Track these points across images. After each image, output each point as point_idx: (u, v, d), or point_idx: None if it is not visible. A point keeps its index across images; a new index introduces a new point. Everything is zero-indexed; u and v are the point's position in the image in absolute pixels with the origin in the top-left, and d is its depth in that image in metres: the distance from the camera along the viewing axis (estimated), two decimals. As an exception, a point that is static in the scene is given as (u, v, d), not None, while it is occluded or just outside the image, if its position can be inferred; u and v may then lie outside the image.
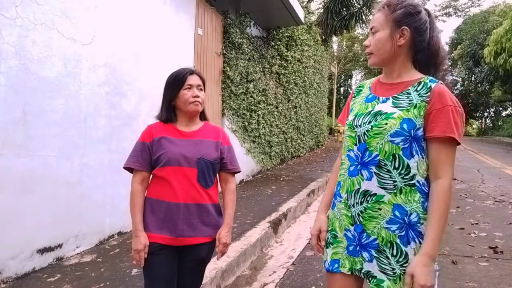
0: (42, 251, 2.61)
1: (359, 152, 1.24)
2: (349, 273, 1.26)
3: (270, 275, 2.88)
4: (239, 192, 5.21)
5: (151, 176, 1.62)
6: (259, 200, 4.79)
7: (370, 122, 1.22)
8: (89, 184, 2.99)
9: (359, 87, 1.42)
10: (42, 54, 2.58)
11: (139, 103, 3.52)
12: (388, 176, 1.18)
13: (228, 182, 1.71)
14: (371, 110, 1.24)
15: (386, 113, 1.20)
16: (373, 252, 1.21)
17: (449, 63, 30.67)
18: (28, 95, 2.49)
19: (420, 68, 1.27)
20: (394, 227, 1.18)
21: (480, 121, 31.12)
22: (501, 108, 28.29)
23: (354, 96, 1.40)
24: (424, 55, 1.24)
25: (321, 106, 11.68)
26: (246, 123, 6.14)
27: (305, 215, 4.72)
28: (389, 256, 1.18)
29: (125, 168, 1.62)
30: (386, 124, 1.18)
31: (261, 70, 6.77)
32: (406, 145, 1.16)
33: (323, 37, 11.37)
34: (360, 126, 1.24)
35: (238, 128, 5.93)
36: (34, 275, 2.49)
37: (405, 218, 1.17)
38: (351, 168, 1.26)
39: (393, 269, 1.18)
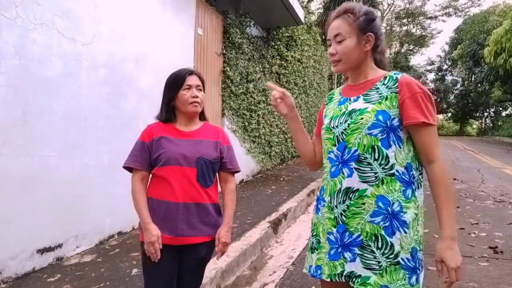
0: (42, 251, 2.61)
1: (339, 152, 1.27)
2: (328, 280, 1.26)
3: (270, 275, 2.88)
4: (239, 192, 5.21)
5: (151, 175, 1.62)
6: (259, 200, 4.79)
7: (346, 121, 1.26)
8: (89, 184, 2.99)
9: (330, 94, 1.48)
10: (42, 54, 2.58)
11: (139, 103, 3.52)
12: (369, 169, 1.21)
13: (227, 181, 1.71)
14: (345, 110, 1.29)
15: (359, 109, 1.24)
16: (356, 250, 1.21)
17: (449, 63, 30.69)
18: (28, 95, 2.49)
19: (377, 66, 1.35)
20: (378, 219, 1.19)
21: (480, 121, 31.09)
22: (501, 108, 28.26)
23: (327, 104, 1.45)
24: (380, 54, 1.34)
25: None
26: (246, 123, 6.14)
27: (305, 215, 4.72)
28: (374, 249, 1.19)
29: (124, 167, 1.62)
30: (362, 119, 1.22)
31: (261, 70, 6.77)
32: (384, 136, 1.20)
33: (323, 37, 11.37)
34: (337, 126, 1.28)
35: (238, 128, 5.93)
36: (34, 275, 2.49)
37: (389, 208, 1.19)
38: (333, 169, 1.29)
39: (379, 262, 1.18)
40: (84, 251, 2.94)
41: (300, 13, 6.78)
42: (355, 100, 1.29)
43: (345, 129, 1.25)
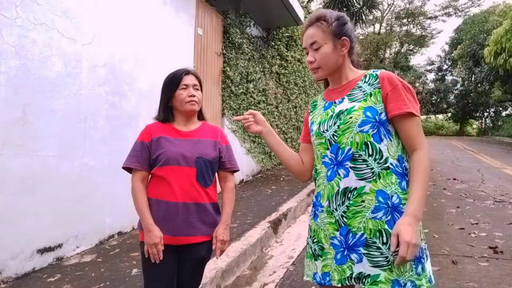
0: (42, 251, 2.61)
1: (332, 155, 1.28)
2: (339, 285, 1.26)
3: (270, 275, 2.88)
4: (239, 192, 5.21)
5: (150, 176, 1.62)
6: (259, 200, 4.79)
7: (335, 123, 1.27)
8: (89, 184, 2.99)
9: (313, 102, 1.49)
10: (42, 54, 2.58)
11: (139, 103, 3.52)
12: (365, 166, 1.22)
13: (227, 180, 1.72)
14: (333, 114, 1.30)
15: (347, 109, 1.26)
16: (361, 250, 1.21)
17: (449, 63, 30.68)
18: (28, 95, 2.49)
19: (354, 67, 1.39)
20: (380, 214, 1.20)
21: (480, 121, 31.05)
22: (501, 108, 28.23)
23: (311, 111, 1.46)
24: (355, 55, 1.38)
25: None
26: (246, 123, 6.14)
27: (305, 215, 4.72)
28: (380, 245, 1.19)
29: (124, 168, 1.62)
30: (350, 118, 1.24)
31: (261, 70, 6.77)
32: (375, 131, 1.22)
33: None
34: (327, 130, 1.30)
35: (238, 128, 5.93)
36: (34, 275, 2.50)
37: (388, 202, 1.20)
38: (329, 173, 1.29)
39: (386, 257, 1.18)
40: (84, 251, 2.93)
41: (300, 13, 6.78)
42: (340, 102, 1.31)
43: (335, 131, 1.26)
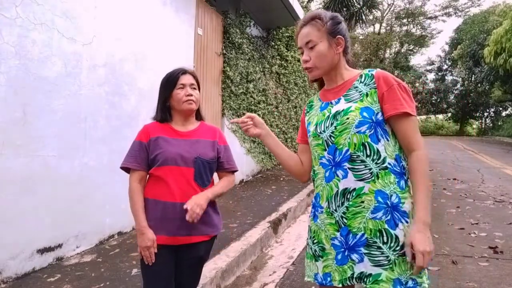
0: (42, 251, 2.61)
1: (330, 156, 1.28)
2: (340, 285, 1.26)
3: (270, 275, 2.88)
4: (239, 192, 5.21)
5: (148, 176, 1.62)
6: (259, 200, 4.79)
7: (332, 124, 1.27)
8: (89, 184, 2.99)
9: (309, 102, 1.49)
10: (42, 54, 2.58)
11: (139, 103, 3.52)
12: (363, 166, 1.22)
13: (227, 177, 1.73)
14: (329, 114, 1.30)
15: (343, 109, 1.26)
16: (362, 250, 1.21)
17: (449, 63, 30.68)
18: (28, 95, 2.49)
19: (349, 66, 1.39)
20: (380, 214, 1.20)
21: (480, 121, 31.03)
22: (501, 108, 28.21)
23: (307, 112, 1.46)
24: (350, 55, 1.38)
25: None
26: (246, 123, 6.14)
27: (305, 215, 4.72)
28: (381, 245, 1.19)
29: (122, 168, 1.62)
30: (347, 118, 1.24)
31: (261, 70, 6.77)
32: (372, 131, 1.22)
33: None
34: (324, 131, 1.29)
35: (238, 128, 5.93)
36: (34, 275, 2.49)
37: (388, 202, 1.20)
38: (327, 174, 1.29)
39: (387, 257, 1.18)
40: (84, 251, 2.93)
41: (300, 13, 6.78)
42: (336, 102, 1.31)
43: (332, 132, 1.26)
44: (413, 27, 30.91)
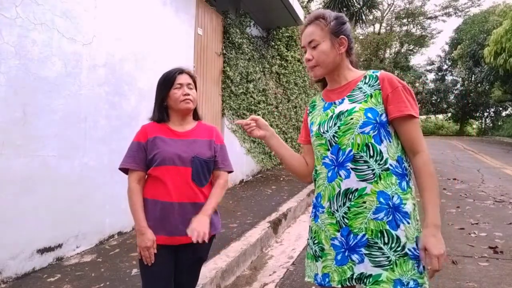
0: (42, 251, 2.61)
1: (333, 156, 1.28)
2: (339, 286, 1.26)
3: (270, 275, 2.88)
4: (239, 192, 5.21)
5: (146, 176, 1.62)
6: (259, 200, 4.79)
7: (336, 124, 1.27)
8: (89, 184, 2.99)
9: (312, 102, 1.49)
10: (42, 54, 2.58)
11: (139, 103, 3.52)
12: (366, 167, 1.22)
13: (219, 178, 1.69)
14: (333, 114, 1.30)
15: (347, 110, 1.26)
16: (363, 250, 1.21)
17: (449, 63, 30.68)
18: (28, 95, 2.49)
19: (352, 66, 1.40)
20: (381, 214, 1.20)
21: (480, 121, 31.06)
22: (501, 108, 28.22)
23: (310, 112, 1.46)
24: (354, 56, 1.39)
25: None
26: (246, 123, 6.13)
27: (305, 215, 4.71)
28: (382, 245, 1.19)
29: (120, 169, 1.62)
30: (351, 119, 1.24)
31: (261, 70, 6.77)
32: (376, 132, 1.22)
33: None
34: (327, 131, 1.29)
35: (238, 128, 5.93)
36: (34, 275, 2.49)
37: (390, 202, 1.21)
38: (329, 174, 1.29)
39: (388, 257, 1.18)
40: (84, 251, 2.93)
41: (300, 13, 6.78)
42: (340, 103, 1.31)
43: (336, 132, 1.26)
44: (413, 27, 30.91)
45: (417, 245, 1.20)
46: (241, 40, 5.95)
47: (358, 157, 1.22)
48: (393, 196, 1.21)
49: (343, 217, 1.25)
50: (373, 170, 1.21)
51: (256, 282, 2.77)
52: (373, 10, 14.04)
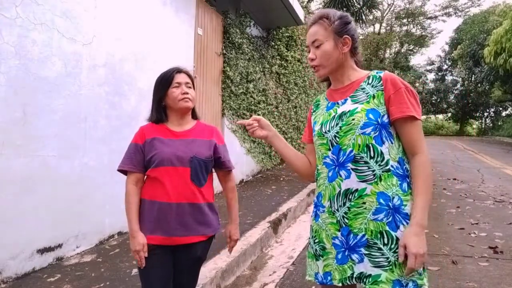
0: (42, 251, 2.61)
1: (334, 156, 1.28)
2: (340, 284, 1.26)
3: (270, 275, 2.88)
4: (239, 192, 5.21)
5: (145, 177, 1.62)
6: (259, 200, 4.79)
7: (337, 124, 1.28)
8: (89, 184, 2.99)
9: (316, 101, 1.49)
10: (42, 54, 2.58)
11: (139, 103, 3.52)
12: (367, 168, 1.22)
13: (228, 180, 1.74)
14: (335, 114, 1.30)
15: (349, 110, 1.26)
16: (363, 250, 1.22)
17: (449, 63, 30.69)
18: (28, 95, 2.49)
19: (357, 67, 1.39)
20: (381, 215, 1.20)
21: (480, 121, 31.07)
22: (501, 108, 28.23)
23: (314, 111, 1.46)
24: (359, 56, 1.38)
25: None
26: (246, 123, 6.14)
27: (305, 215, 4.71)
28: (381, 246, 1.19)
29: (119, 170, 1.62)
30: (353, 119, 1.24)
31: (261, 70, 6.77)
32: (377, 133, 1.22)
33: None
34: (329, 131, 1.30)
35: (238, 128, 5.93)
36: (34, 275, 2.50)
37: (390, 204, 1.20)
38: (330, 174, 1.29)
39: (387, 258, 1.18)
40: (84, 251, 2.94)
41: (300, 13, 6.78)
42: (343, 103, 1.31)
43: (337, 132, 1.27)
44: (413, 27, 30.91)
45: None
46: (241, 40, 5.95)
47: (359, 157, 1.22)
48: (393, 197, 1.21)
49: (343, 217, 1.25)
50: (373, 171, 1.21)
51: (256, 282, 2.77)
52: (373, 10, 14.04)
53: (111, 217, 3.21)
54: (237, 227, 1.72)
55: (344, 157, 1.25)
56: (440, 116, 31.52)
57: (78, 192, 2.89)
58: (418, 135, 1.23)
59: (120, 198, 3.20)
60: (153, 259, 1.53)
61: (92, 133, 3.01)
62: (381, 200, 1.20)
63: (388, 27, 30.84)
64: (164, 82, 1.63)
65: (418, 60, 75.99)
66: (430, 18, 30.03)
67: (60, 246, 2.75)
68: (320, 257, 1.33)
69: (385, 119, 1.23)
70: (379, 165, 1.21)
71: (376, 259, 1.20)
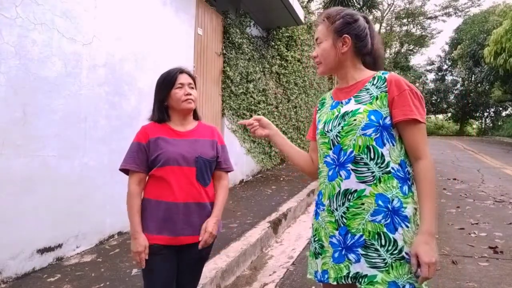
0: (42, 251, 2.61)
1: (335, 155, 1.28)
2: (335, 283, 1.26)
3: (270, 275, 2.88)
4: (239, 192, 5.22)
5: (148, 177, 1.61)
6: (259, 200, 4.79)
7: (339, 124, 1.27)
8: (89, 184, 2.99)
9: (322, 100, 1.49)
10: (42, 54, 2.58)
11: (139, 103, 3.52)
12: (366, 169, 1.22)
13: (221, 179, 1.72)
14: (338, 114, 1.30)
15: (352, 110, 1.26)
16: (359, 250, 1.21)
17: (449, 63, 30.69)
18: (28, 95, 2.49)
19: (368, 68, 1.38)
20: (379, 217, 1.20)
21: (480, 121, 31.09)
22: (501, 108, 28.25)
23: (319, 109, 1.47)
24: (371, 58, 1.36)
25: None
26: (246, 123, 6.14)
27: (305, 215, 4.71)
28: (378, 247, 1.19)
29: (121, 169, 1.61)
30: (355, 120, 1.23)
31: (261, 70, 6.77)
32: (378, 135, 1.22)
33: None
34: (331, 130, 1.30)
35: (238, 128, 5.93)
36: (34, 275, 2.49)
37: (389, 206, 1.20)
38: (330, 173, 1.30)
39: (384, 259, 1.18)
40: (84, 251, 2.93)
41: (300, 13, 6.78)
42: (346, 103, 1.31)
43: (339, 132, 1.26)
44: (413, 27, 30.93)
45: None
46: (241, 40, 5.95)
47: (359, 158, 1.22)
48: (393, 199, 1.20)
49: (341, 216, 1.25)
50: (373, 172, 1.21)
51: (256, 282, 2.77)
52: (373, 10, 14.04)
53: (111, 217, 3.21)
54: (217, 222, 1.60)
55: (345, 157, 1.25)
56: (440, 116, 31.53)
57: (78, 192, 2.89)
58: (421, 138, 1.22)
59: (121, 198, 3.20)
60: (159, 259, 1.53)
61: (92, 133, 3.01)
62: (380, 202, 1.20)
63: (388, 27, 30.85)
64: (167, 83, 1.62)
65: (418, 60, 76.02)
66: (430, 18, 30.05)
67: (60, 246, 2.75)
68: (319, 255, 1.34)
69: (387, 121, 1.22)
70: (379, 167, 1.21)
71: (373, 260, 1.19)
